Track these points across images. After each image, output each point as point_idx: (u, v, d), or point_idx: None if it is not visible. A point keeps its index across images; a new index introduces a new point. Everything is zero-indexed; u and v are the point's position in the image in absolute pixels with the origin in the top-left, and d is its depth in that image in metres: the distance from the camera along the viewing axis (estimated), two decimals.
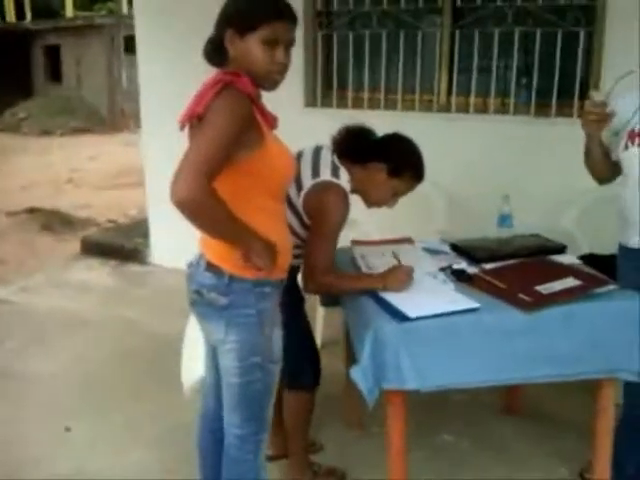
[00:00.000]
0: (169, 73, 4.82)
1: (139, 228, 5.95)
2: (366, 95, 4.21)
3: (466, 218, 3.58)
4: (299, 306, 2.43)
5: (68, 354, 3.76)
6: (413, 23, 4.06)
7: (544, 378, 2.13)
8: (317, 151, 2.31)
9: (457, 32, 3.90)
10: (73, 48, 15.83)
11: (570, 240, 2.96)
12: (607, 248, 3.06)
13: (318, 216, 2.15)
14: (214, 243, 1.80)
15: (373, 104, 4.20)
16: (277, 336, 1.90)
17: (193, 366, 2.68)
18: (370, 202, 2.38)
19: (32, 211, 7.36)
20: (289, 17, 1.74)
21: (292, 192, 2.20)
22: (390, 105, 4.16)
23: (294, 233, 2.22)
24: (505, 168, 3.77)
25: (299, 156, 2.31)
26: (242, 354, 1.83)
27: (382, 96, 4.18)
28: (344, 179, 2.22)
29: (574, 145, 3.68)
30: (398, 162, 2.29)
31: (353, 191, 2.28)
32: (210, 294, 1.83)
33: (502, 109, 3.89)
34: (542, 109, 3.77)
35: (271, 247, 1.78)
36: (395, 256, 2.33)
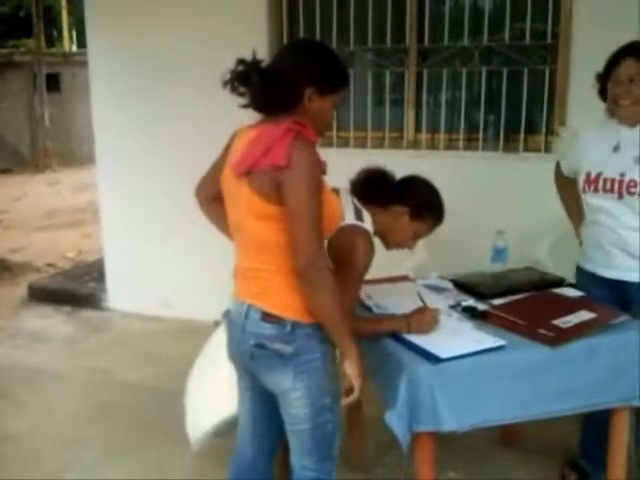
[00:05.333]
0: (123, 113, 4.72)
1: (89, 271, 5.76)
2: (334, 133, 4.23)
3: (442, 253, 3.63)
4: None
5: (40, 410, 3.55)
6: (380, 63, 4.13)
7: (569, 411, 2.18)
8: (336, 194, 2.29)
9: (424, 71, 3.99)
10: None
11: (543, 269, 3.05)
12: None
13: (344, 260, 2.13)
14: (270, 292, 1.82)
15: (342, 142, 4.23)
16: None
17: (198, 419, 2.59)
18: (391, 244, 2.38)
19: None
20: None
21: None
22: (359, 143, 4.20)
23: None
24: (476, 203, 3.85)
25: None
26: (311, 399, 1.83)
27: (351, 135, 4.21)
28: (367, 222, 2.22)
29: (542, 179, 3.84)
30: (420, 205, 2.31)
31: (374, 233, 2.27)
32: (274, 345, 1.81)
33: (470, 145, 3.99)
34: (510, 144, 3.89)
35: None
36: (420, 298, 2.33)
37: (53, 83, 15.09)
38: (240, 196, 1.79)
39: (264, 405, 1.97)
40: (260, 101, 1.79)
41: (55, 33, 19.80)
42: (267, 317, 1.81)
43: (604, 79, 2.42)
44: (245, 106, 1.82)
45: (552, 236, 3.64)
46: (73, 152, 14.92)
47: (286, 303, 1.79)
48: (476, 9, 3.91)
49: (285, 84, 1.77)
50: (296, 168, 1.67)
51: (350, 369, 1.81)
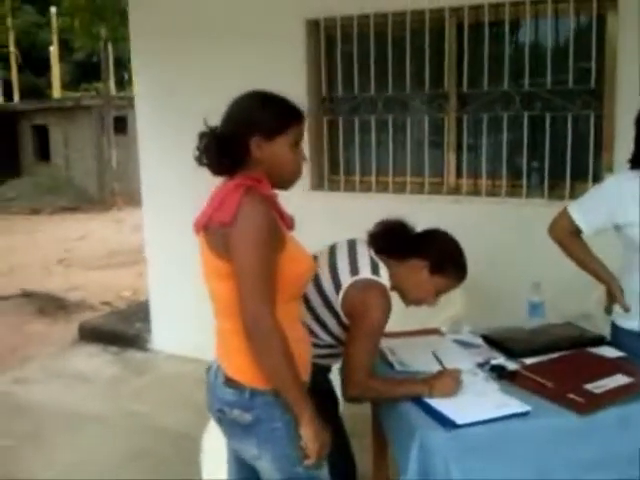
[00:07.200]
0: (170, 155, 4.79)
1: (137, 312, 5.82)
2: (373, 178, 4.18)
3: (481, 304, 3.49)
4: (333, 409, 2.29)
5: (71, 454, 3.56)
6: (420, 108, 4.07)
7: None
8: (352, 245, 2.22)
9: (464, 117, 3.91)
10: (61, 128, 15.93)
11: (592, 324, 2.88)
12: None
13: (359, 316, 2.05)
14: (231, 355, 1.79)
15: (381, 187, 4.17)
16: None
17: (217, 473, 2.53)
18: (409, 300, 2.26)
19: (25, 295, 7.19)
20: (304, 117, 1.84)
21: (329, 290, 2.11)
22: (398, 188, 4.12)
23: (329, 332, 2.13)
24: (520, 252, 3.71)
25: (333, 250, 2.23)
26: (281, 469, 1.76)
27: (390, 179, 4.15)
28: (384, 276, 2.12)
29: None
30: (441, 259, 2.19)
31: (392, 288, 2.17)
32: (233, 412, 1.77)
33: (514, 192, 3.86)
34: (556, 191, 3.74)
35: None
36: (437, 359, 2.22)
37: (120, 125, 15.60)
38: (202, 252, 1.78)
39: (246, 465, 1.88)
40: (214, 166, 1.77)
41: (126, 77, 20.59)
42: (229, 382, 1.77)
43: None
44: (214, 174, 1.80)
45: (597, 289, 3.46)
46: (137, 192, 15.31)
47: (245, 367, 1.73)
48: (517, 52, 3.82)
49: (232, 142, 1.74)
50: (241, 224, 1.64)
51: (305, 432, 1.71)
